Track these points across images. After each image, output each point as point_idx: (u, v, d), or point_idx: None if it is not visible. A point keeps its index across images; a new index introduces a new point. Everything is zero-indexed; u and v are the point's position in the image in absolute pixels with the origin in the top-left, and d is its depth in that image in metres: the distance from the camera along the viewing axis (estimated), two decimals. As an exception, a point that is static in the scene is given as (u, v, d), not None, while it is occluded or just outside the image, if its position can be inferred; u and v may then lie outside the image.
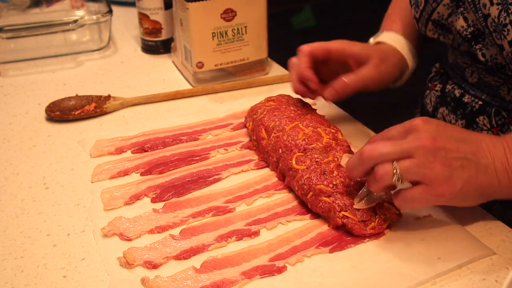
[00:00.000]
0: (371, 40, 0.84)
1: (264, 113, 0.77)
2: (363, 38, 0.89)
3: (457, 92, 0.82)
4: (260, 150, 0.77)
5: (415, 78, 0.90)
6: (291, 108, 0.78)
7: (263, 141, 0.75)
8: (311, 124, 0.73)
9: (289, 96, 0.83)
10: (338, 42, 0.77)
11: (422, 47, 0.87)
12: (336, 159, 0.67)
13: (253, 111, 0.81)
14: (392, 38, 0.83)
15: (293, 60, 0.78)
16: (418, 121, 0.59)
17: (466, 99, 0.80)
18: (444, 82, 0.85)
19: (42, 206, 0.69)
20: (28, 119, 0.89)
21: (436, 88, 0.87)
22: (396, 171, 0.56)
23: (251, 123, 0.79)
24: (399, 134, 0.60)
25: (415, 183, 0.57)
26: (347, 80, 0.75)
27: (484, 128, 0.78)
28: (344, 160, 0.67)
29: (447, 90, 0.84)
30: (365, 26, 0.93)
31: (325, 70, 0.78)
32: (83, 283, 0.57)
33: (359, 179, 0.64)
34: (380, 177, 0.57)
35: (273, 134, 0.73)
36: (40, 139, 0.83)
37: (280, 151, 0.71)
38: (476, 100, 0.78)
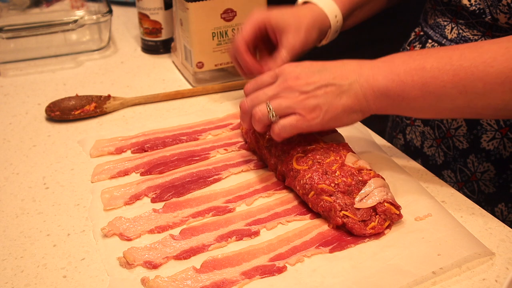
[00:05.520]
0: (299, 0, 0.85)
1: None
2: (362, 38, 0.90)
3: None
4: (256, 152, 0.77)
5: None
6: None
7: (258, 143, 0.75)
8: None
9: None
10: (256, 19, 0.78)
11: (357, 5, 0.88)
12: (338, 158, 0.67)
13: None
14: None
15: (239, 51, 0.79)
16: (285, 65, 0.69)
17: None
18: (424, 42, 0.88)
19: (42, 206, 0.69)
20: (28, 119, 0.89)
21: (416, 49, 0.90)
22: (270, 108, 0.66)
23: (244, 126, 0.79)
24: (271, 78, 0.69)
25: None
26: (283, 58, 0.77)
27: None
28: (349, 159, 0.67)
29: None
30: (363, 26, 0.94)
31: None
32: (83, 283, 0.57)
33: (360, 178, 0.64)
34: (259, 118, 0.67)
35: (267, 136, 0.73)
36: (40, 139, 0.83)
37: (277, 153, 0.71)
38: None
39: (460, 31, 0.81)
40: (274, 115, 0.66)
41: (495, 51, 0.60)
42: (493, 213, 0.84)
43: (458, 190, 0.86)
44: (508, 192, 0.82)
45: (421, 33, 0.91)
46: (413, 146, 0.95)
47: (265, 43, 0.81)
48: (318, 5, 0.81)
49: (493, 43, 0.62)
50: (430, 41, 0.87)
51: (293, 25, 0.77)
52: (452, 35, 0.82)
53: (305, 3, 0.83)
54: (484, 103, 0.62)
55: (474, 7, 0.76)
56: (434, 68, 0.63)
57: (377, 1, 0.91)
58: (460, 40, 0.81)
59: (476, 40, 0.79)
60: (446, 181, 0.88)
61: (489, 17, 0.75)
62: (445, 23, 0.84)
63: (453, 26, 0.82)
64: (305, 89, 0.65)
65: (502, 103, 0.61)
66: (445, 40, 0.84)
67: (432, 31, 0.87)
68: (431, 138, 0.90)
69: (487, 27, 0.77)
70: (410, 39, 0.95)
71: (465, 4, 0.78)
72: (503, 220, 0.82)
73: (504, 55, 0.60)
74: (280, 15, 0.78)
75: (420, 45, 0.90)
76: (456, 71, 0.62)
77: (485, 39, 0.77)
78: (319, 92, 0.65)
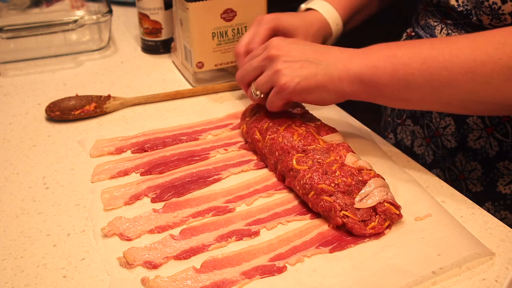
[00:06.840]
0: (303, 6, 0.90)
1: (257, 115, 0.77)
2: (361, 37, 0.92)
3: None
4: (257, 152, 0.77)
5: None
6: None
7: (258, 143, 0.75)
8: (304, 124, 0.74)
9: None
10: (269, 22, 0.82)
11: (354, 15, 0.93)
12: (338, 158, 0.67)
13: (245, 113, 0.81)
14: (322, 7, 0.88)
15: (240, 54, 0.83)
16: (273, 38, 0.74)
17: None
18: None
19: (42, 206, 0.69)
20: (28, 119, 0.89)
21: None
22: (252, 88, 0.75)
23: (244, 126, 0.79)
24: (261, 50, 0.75)
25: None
26: None
27: None
28: (349, 159, 0.67)
29: None
30: (363, 25, 0.95)
31: None
32: (83, 283, 0.57)
33: (360, 178, 0.64)
34: (249, 96, 0.77)
35: (267, 136, 0.73)
36: (40, 139, 0.83)
37: (277, 153, 0.71)
38: None
39: (449, 31, 0.82)
40: (256, 93, 0.75)
41: (462, 43, 0.63)
42: None
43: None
44: (494, 190, 0.83)
45: (413, 33, 0.92)
46: (403, 145, 0.96)
47: None
48: (322, 13, 0.86)
49: (462, 37, 0.64)
50: None
51: (302, 30, 0.83)
52: (442, 35, 0.84)
53: (307, 9, 0.88)
54: (449, 93, 0.64)
55: (462, 8, 0.78)
56: (404, 56, 0.65)
57: (373, 5, 0.94)
58: None
59: None
60: None
61: (475, 18, 0.76)
62: (435, 23, 0.85)
63: (442, 26, 0.84)
64: (284, 59, 0.70)
65: (466, 94, 0.63)
66: None
67: (422, 31, 0.88)
68: (420, 137, 0.91)
69: (475, 28, 0.78)
70: (402, 39, 0.96)
71: (453, 5, 0.79)
72: None
73: (470, 46, 0.62)
74: (291, 20, 0.83)
75: None
76: (425, 59, 0.64)
77: None
78: (296, 65, 0.70)
